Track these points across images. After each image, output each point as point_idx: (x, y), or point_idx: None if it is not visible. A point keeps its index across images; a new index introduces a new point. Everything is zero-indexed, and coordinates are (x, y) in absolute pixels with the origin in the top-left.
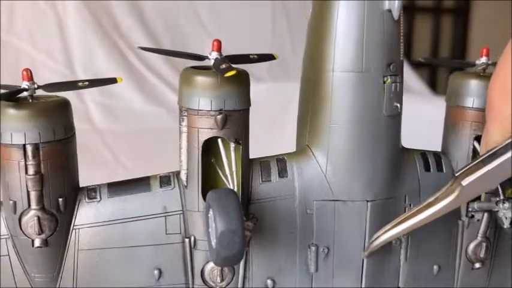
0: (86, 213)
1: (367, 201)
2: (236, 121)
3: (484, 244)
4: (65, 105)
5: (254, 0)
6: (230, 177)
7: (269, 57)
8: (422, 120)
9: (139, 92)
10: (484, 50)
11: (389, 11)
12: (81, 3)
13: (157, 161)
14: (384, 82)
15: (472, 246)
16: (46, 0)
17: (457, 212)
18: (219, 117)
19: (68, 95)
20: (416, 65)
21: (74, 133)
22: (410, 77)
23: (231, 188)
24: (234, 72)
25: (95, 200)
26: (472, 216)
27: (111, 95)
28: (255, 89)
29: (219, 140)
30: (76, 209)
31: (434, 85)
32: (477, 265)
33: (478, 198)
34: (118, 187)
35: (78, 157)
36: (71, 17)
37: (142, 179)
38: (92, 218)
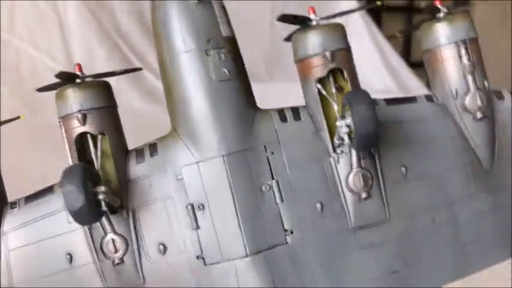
0: (10, 221)
1: (223, 155)
2: (98, 117)
3: (360, 174)
4: None
5: (254, 0)
6: (96, 161)
7: (136, 69)
8: None
9: (139, 91)
10: (310, 10)
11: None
12: (82, 3)
13: None
14: (208, 55)
15: (350, 178)
16: (46, 0)
17: (325, 150)
18: (79, 115)
19: None
20: (416, 65)
21: None
22: (410, 77)
23: (96, 167)
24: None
25: (15, 209)
26: (342, 151)
27: None
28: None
29: (88, 135)
30: (3, 219)
31: None
32: (363, 195)
33: None
34: (32, 197)
35: None
36: (72, 17)
37: (49, 187)
38: (14, 223)
